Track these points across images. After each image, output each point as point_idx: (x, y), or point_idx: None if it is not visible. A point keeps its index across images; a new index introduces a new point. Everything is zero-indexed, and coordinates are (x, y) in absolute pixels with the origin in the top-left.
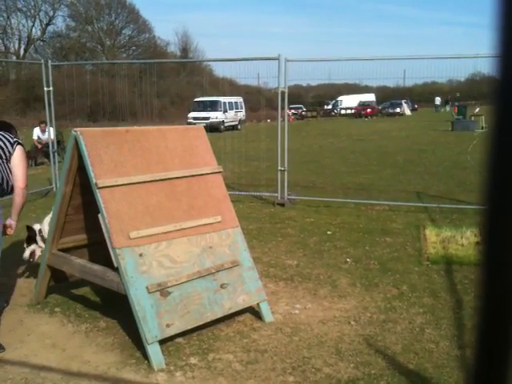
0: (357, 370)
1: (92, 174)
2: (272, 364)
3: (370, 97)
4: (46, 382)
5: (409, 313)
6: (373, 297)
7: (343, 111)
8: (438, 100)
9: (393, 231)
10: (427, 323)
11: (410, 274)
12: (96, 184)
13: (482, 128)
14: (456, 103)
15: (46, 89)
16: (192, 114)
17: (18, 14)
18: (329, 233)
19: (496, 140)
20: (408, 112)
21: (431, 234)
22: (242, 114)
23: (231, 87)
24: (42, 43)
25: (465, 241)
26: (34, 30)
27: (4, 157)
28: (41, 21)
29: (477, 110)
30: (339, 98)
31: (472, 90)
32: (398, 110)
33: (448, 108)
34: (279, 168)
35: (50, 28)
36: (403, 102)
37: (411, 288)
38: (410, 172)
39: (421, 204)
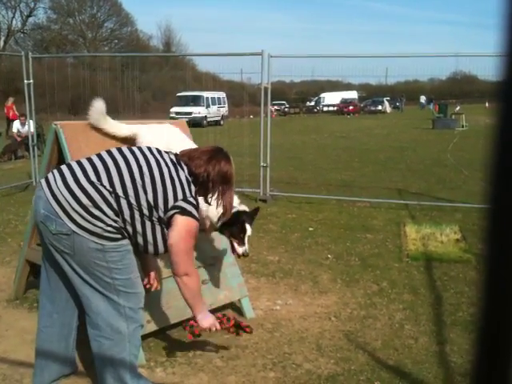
0: (337, 365)
1: None
2: (253, 360)
3: (353, 94)
4: (25, 377)
5: (389, 309)
6: (353, 293)
7: (326, 108)
8: (423, 98)
9: (374, 228)
10: (407, 319)
11: (390, 271)
12: None
13: (463, 126)
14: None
15: (26, 81)
16: (174, 109)
17: None
18: (310, 229)
19: (499, 140)
20: (389, 110)
21: (411, 230)
22: (224, 110)
23: (214, 82)
24: (22, 35)
25: (444, 238)
26: (14, 21)
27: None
28: (21, 12)
29: (457, 108)
30: (322, 95)
31: (453, 88)
32: (379, 107)
33: (431, 106)
34: (262, 164)
35: (31, 20)
36: (385, 99)
37: (391, 284)
38: (391, 169)
39: (401, 201)
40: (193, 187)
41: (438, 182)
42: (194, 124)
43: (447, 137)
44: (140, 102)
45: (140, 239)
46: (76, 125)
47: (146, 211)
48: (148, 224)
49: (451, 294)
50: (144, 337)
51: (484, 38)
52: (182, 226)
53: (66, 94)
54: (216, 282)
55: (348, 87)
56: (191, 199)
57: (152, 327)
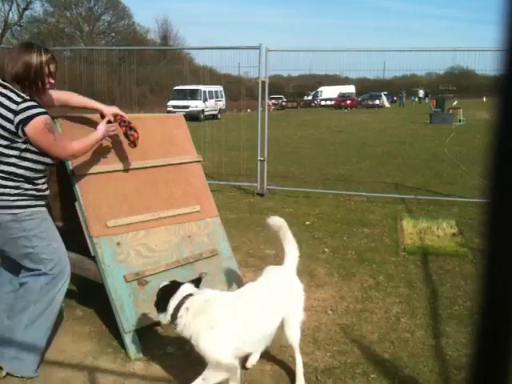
0: (333, 358)
1: (69, 162)
2: None
3: (350, 88)
4: None
5: (385, 302)
6: (350, 286)
7: (323, 102)
8: (421, 93)
9: (370, 222)
10: (403, 313)
11: (387, 265)
12: (73, 171)
13: (460, 121)
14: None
15: None
16: (172, 103)
17: None
18: (307, 223)
19: (500, 136)
20: (387, 104)
21: (408, 225)
22: (222, 103)
23: (212, 76)
24: (19, 28)
25: (441, 232)
26: (10, 14)
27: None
28: (18, 5)
29: (455, 103)
30: (319, 89)
31: (450, 83)
32: (377, 101)
33: (427, 100)
34: (259, 158)
35: (28, 13)
36: (382, 94)
37: (388, 278)
38: (388, 164)
39: (398, 195)
40: (16, 93)
41: (434, 176)
42: (191, 118)
43: (444, 131)
44: (137, 96)
45: (37, 166)
46: (73, 118)
47: (8, 151)
48: (25, 153)
49: (447, 288)
50: (141, 330)
51: (481, 32)
52: (35, 134)
53: (62, 88)
54: (213, 275)
55: (346, 81)
56: (20, 106)
57: (148, 321)
